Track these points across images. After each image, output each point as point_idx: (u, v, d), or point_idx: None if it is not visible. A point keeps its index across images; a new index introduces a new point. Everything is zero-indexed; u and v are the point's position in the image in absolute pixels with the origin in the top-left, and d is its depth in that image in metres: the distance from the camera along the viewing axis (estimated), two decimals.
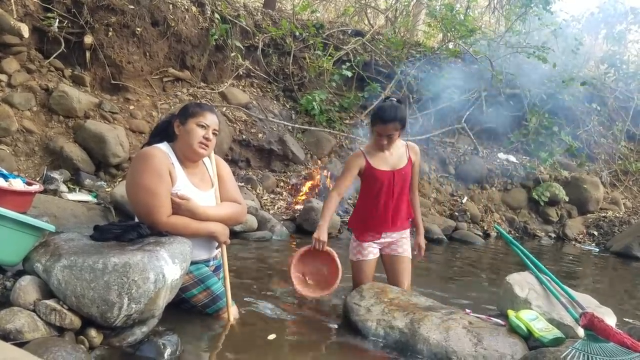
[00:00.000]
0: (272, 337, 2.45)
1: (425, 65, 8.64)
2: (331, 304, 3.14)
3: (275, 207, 6.23)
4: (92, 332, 2.03)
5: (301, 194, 6.54)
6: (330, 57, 8.00)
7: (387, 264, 3.25)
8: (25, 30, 5.28)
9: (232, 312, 2.57)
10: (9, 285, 2.08)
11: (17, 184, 2.75)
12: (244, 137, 6.81)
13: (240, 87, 7.58)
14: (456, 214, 7.35)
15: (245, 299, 3.03)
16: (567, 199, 8.09)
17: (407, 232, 3.28)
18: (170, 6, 6.64)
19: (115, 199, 4.75)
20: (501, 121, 8.60)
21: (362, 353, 2.42)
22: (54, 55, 5.77)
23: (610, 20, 13.49)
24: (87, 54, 5.98)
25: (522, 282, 2.70)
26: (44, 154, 5.20)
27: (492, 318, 2.62)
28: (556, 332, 2.35)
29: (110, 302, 1.93)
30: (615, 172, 9.79)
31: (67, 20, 5.83)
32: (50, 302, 1.97)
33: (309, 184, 6.68)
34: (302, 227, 5.77)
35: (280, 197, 6.49)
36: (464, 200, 7.68)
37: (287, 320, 2.71)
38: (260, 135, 6.97)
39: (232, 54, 7.32)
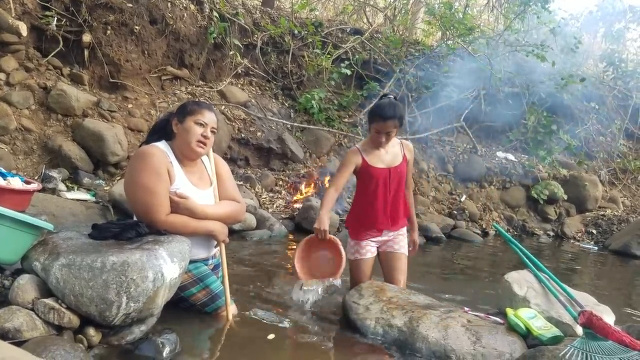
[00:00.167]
0: (271, 336, 2.45)
1: (424, 64, 8.64)
2: (330, 302, 3.14)
3: (274, 206, 6.23)
4: (91, 331, 2.03)
5: (300, 192, 6.54)
6: (329, 56, 8.00)
7: (383, 261, 3.25)
8: (23, 28, 5.27)
9: (231, 311, 2.57)
10: (7, 284, 2.07)
11: (16, 183, 2.75)
12: (242, 135, 6.81)
13: (239, 86, 7.57)
14: (455, 212, 7.35)
15: (244, 297, 3.03)
16: (565, 197, 8.10)
17: (404, 229, 3.28)
18: (169, 4, 6.62)
19: (114, 198, 4.75)
20: (500, 120, 8.61)
21: (361, 351, 2.42)
22: (52, 54, 5.76)
23: (609, 18, 13.50)
24: (86, 53, 5.97)
25: (520, 281, 2.70)
26: (43, 152, 5.19)
27: (490, 316, 2.63)
28: (555, 331, 2.35)
29: (108, 301, 1.93)
30: (614, 171, 9.81)
31: (66, 19, 5.81)
32: (49, 301, 1.97)
33: (307, 182, 6.68)
34: (301, 226, 5.77)
35: (279, 196, 6.49)
36: (463, 199, 7.68)
37: (286, 319, 2.71)
38: (259, 133, 6.96)
39: (231, 53, 7.31)
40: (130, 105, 6.15)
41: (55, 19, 5.67)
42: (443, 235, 6.60)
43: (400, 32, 10.21)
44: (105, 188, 5.11)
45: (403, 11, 10.71)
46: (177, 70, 6.92)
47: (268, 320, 2.69)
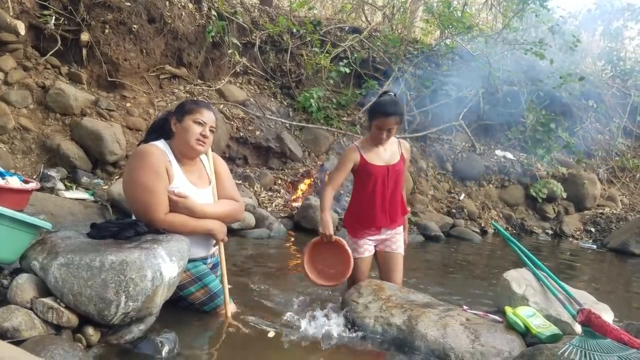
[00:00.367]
0: (271, 334, 2.45)
1: (422, 62, 8.64)
2: (329, 301, 3.14)
3: (273, 205, 6.22)
4: (90, 330, 2.02)
5: (299, 191, 6.54)
6: (327, 54, 8.00)
7: (381, 261, 3.26)
8: (21, 27, 5.26)
9: (230, 310, 2.57)
10: (6, 283, 2.07)
11: (14, 182, 2.74)
12: (241, 134, 6.80)
13: (238, 85, 7.56)
14: (454, 211, 7.36)
15: (243, 296, 3.03)
16: (564, 195, 8.11)
17: (401, 228, 3.29)
18: (167, 3, 6.61)
19: (112, 197, 4.74)
20: (499, 118, 8.61)
21: (360, 350, 2.42)
22: (51, 53, 5.75)
23: (608, 16, 13.52)
24: (84, 52, 5.96)
25: (519, 279, 2.70)
26: (41, 151, 5.18)
27: (489, 315, 2.63)
28: (553, 329, 2.36)
29: (107, 300, 1.92)
30: (613, 169, 9.82)
31: (64, 18, 5.80)
32: (48, 300, 1.96)
33: (306, 181, 6.68)
34: (300, 225, 5.77)
35: (278, 195, 6.49)
36: (462, 197, 7.69)
37: (285, 318, 2.71)
38: (257, 132, 6.96)
39: (229, 51, 7.30)
40: (128, 104, 6.14)
41: (54, 17, 5.66)
42: (442, 234, 6.60)
43: (399, 31, 10.21)
44: (104, 187, 5.11)
45: (402, 9, 10.72)
46: (176, 69, 6.91)
47: (267, 318, 2.69)
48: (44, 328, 1.92)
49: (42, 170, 4.93)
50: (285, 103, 7.90)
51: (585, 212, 8.39)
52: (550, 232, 7.92)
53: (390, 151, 3.13)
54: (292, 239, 5.44)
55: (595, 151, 9.85)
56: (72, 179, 5.12)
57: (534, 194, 7.96)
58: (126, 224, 2.30)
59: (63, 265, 1.97)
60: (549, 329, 2.35)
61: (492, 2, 11.11)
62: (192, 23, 6.95)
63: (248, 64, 7.69)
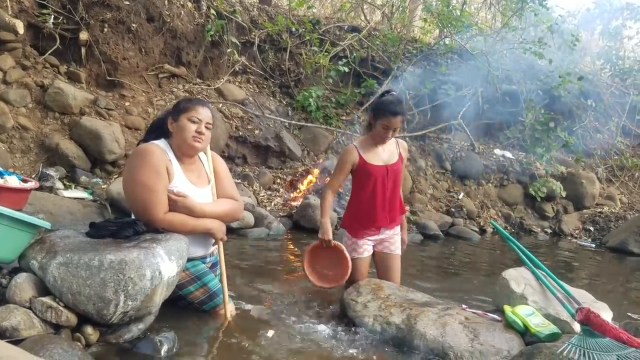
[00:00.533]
0: (270, 333, 2.45)
1: (421, 62, 8.63)
2: (328, 300, 3.15)
3: (272, 204, 6.22)
4: (89, 330, 2.02)
5: (298, 190, 6.54)
6: (326, 53, 7.98)
7: (379, 261, 3.27)
8: (20, 26, 5.25)
9: (229, 309, 2.57)
10: (4, 282, 2.07)
11: (13, 181, 2.74)
12: (240, 133, 6.79)
13: (237, 84, 7.56)
14: (452, 209, 7.36)
15: (242, 295, 3.03)
16: (563, 194, 8.11)
17: (398, 228, 3.29)
18: (166, 2, 6.60)
19: (111, 196, 4.74)
20: (498, 117, 8.61)
21: (360, 349, 2.42)
22: (49, 52, 5.74)
23: (606, 15, 13.51)
24: (83, 50, 5.95)
25: (518, 278, 2.70)
26: (40, 150, 5.18)
27: (488, 314, 2.63)
28: (552, 328, 2.36)
29: (106, 299, 1.92)
30: (611, 168, 9.82)
31: (62, 17, 5.79)
32: (46, 300, 1.96)
33: (306, 180, 6.67)
34: (299, 224, 5.77)
35: (277, 194, 6.49)
36: (460, 196, 7.69)
37: (284, 317, 2.71)
38: (256, 131, 6.95)
39: (228, 50, 7.29)
40: (127, 104, 6.13)
41: (52, 16, 5.65)
42: (441, 233, 6.61)
43: (398, 30, 10.20)
44: (103, 186, 5.11)
45: (401, 8, 10.71)
46: (175, 68, 6.90)
47: (266, 317, 2.70)
48: (43, 327, 1.92)
49: (40, 169, 4.93)
50: (284, 102, 7.90)
51: (584, 211, 8.40)
52: (549, 231, 7.92)
53: (389, 151, 3.13)
54: (291, 238, 5.44)
55: (594, 150, 9.85)
56: (71, 178, 5.11)
57: (533, 193, 7.97)
58: (125, 223, 2.31)
59: (62, 265, 1.97)
60: (548, 328, 2.35)
61: (491, 1, 11.11)
62: (191, 22, 6.95)
63: (247, 63, 7.68)
